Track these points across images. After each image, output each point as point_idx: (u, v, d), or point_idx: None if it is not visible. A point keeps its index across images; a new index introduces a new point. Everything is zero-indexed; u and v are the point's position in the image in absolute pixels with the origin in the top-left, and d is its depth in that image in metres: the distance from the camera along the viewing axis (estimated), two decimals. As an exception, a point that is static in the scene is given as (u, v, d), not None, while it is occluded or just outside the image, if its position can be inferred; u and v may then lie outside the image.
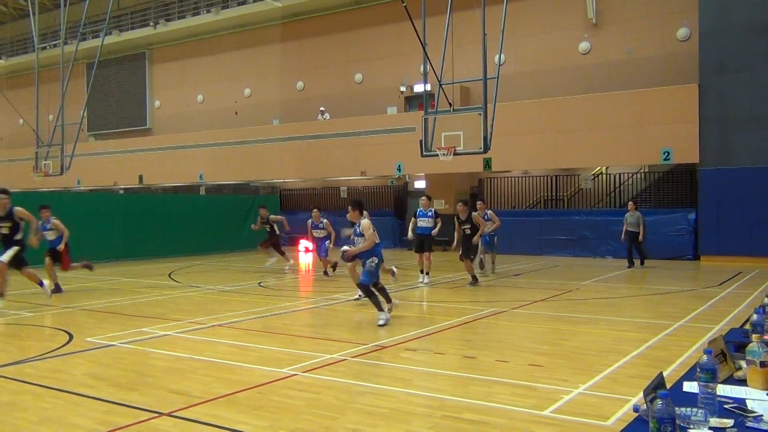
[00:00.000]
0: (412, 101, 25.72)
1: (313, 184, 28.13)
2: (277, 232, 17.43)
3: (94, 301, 11.57)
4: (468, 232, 13.11)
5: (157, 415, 5.18)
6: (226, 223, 23.57)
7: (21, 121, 31.88)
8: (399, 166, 23.38)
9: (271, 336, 8.35)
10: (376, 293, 9.03)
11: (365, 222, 9.06)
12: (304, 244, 24.53)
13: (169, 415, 5.18)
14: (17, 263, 10.77)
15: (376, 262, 9.04)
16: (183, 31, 30.87)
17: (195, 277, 15.83)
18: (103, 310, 10.62)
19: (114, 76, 33.36)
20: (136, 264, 19.06)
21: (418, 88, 24.60)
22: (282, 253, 17.34)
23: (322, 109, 26.86)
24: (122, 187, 30.69)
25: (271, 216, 17.57)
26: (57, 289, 12.50)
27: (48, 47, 30.67)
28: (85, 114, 28.18)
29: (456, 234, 13.37)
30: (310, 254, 23.00)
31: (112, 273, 16.64)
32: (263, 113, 28.97)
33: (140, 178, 29.93)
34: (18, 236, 10.65)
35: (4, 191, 10.68)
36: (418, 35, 14.45)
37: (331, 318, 10.04)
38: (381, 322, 8.74)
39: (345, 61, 27.57)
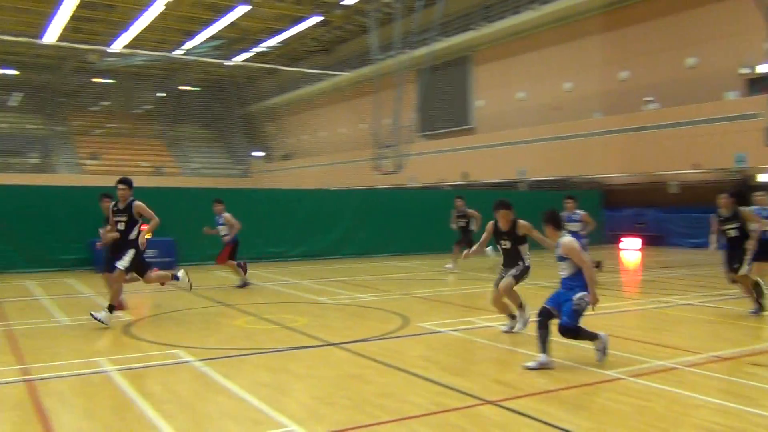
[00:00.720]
0: (756, 84, 22.72)
1: (638, 179, 26.57)
2: (472, 228, 15.29)
3: (426, 290, 12.48)
4: (733, 234, 9.39)
5: (483, 402, 5.40)
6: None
7: (363, 125, 35.79)
8: (739, 157, 20.87)
9: (594, 336, 8.10)
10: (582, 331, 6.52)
11: (568, 240, 6.55)
12: (627, 242, 23.39)
13: (494, 403, 5.35)
14: (138, 269, 9.15)
15: (586, 299, 6.44)
16: (504, 30, 31.54)
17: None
18: (434, 299, 11.42)
19: (441, 80, 35.48)
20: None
21: (764, 68, 21.69)
22: (467, 247, 15.47)
23: (648, 98, 25.23)
24: (448, 183, 32.55)
25: (469, 210, 15.47)
26: (243, 285, 12.91)
27: (384, 58, 33.94)
28: (416, 116, 30.58)
29: (712, 236, 9.85)
30: (635, 252, 21.81)
31: (442, 264, 17.73)
32: (584, 106, 28.23)
33: (464, 175, 31.43)
34: (133, 235, 9.04)
35: (124, 181, 9.10)
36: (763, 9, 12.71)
37: (662, 322, 9.37)
38: (533, 365, 6.40)
39: (674, 45, 25.47)
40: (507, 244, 7.82)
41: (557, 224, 6.73)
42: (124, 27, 38.21)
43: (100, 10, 36.59)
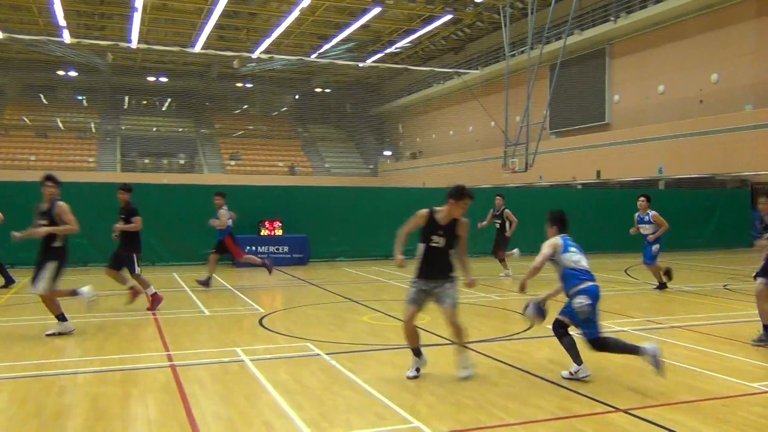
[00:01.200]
0: None
1: (794, 177, 24.41)
2: (506, 233, 14.41)
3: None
4: None
5: (613, 410, 5.18)
6: (687, 219, 22.11)
7: (492, 123, 35.33)
8: None
9: (739, 345, 7.54)
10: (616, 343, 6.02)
11: (552, 241, 6.39)
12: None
13: (626, 412, 5.13)
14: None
15: (586, 303, 6.05)
16: (644, 21, 29.95)
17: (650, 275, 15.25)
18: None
19: (574, 75, 34.33)
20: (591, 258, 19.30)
21: None
22: (502, 258, 14.59)
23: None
24: (580, 182, 31.47)
25: (507, 210, 14.55)
26: (206, 283, 12.09)
27: (516, 54, 33.33)
28: (548, 113, 29.78)
29: None
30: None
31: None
32: (733, 99, 26.27)
33: (597, 173, 30.25)
34: (57, 242, 7.95)
35: (51, 178, 8.09)
36: None
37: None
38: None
39: (841, 29, 23.14)
40: (440, 243, 6.09)
41: (562, 227, 6.53)
42: (266, 34, 40.07)
43: (242, 18, 38.65)
